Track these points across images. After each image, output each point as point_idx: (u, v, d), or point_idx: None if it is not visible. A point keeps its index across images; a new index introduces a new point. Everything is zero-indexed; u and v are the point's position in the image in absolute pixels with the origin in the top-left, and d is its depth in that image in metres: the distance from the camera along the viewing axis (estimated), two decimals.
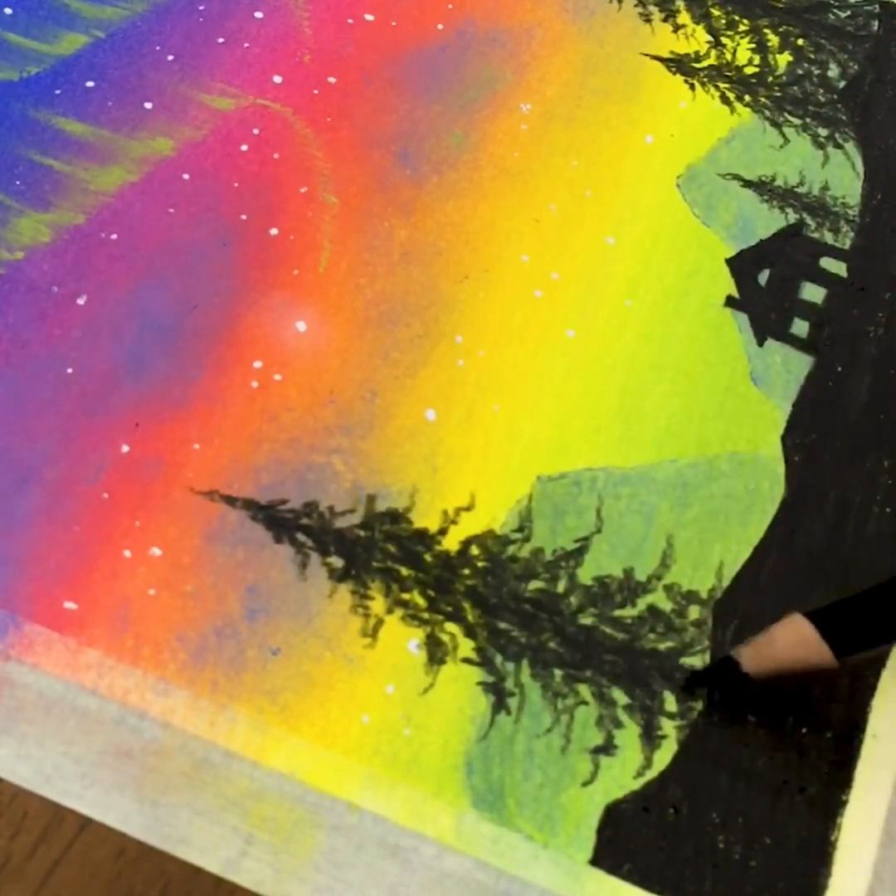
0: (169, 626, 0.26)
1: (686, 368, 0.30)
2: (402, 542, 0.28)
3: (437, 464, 0.29)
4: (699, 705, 0.27)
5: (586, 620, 0.27)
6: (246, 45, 0.33)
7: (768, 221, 0.33)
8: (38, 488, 0.27)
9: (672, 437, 0.30)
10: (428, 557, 0.28)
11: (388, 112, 0.33)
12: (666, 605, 0.28)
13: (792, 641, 0.25)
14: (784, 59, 0.35)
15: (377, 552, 0.27)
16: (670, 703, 0.27)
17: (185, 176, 0.31)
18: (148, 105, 0.32)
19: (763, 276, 0.32)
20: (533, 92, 0.34)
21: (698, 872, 0.25)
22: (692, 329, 0.31)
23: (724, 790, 0.26)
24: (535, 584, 0.28)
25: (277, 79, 0.33)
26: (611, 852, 0.25)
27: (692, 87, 0.34)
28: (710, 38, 0.35)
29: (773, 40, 0.36)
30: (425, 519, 0.28)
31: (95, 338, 0.29)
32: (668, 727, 0.26)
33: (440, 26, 0.34)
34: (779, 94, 0.35)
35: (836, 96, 0.35)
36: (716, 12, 0.36)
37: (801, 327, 0.31)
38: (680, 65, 0.35)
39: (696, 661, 0.27)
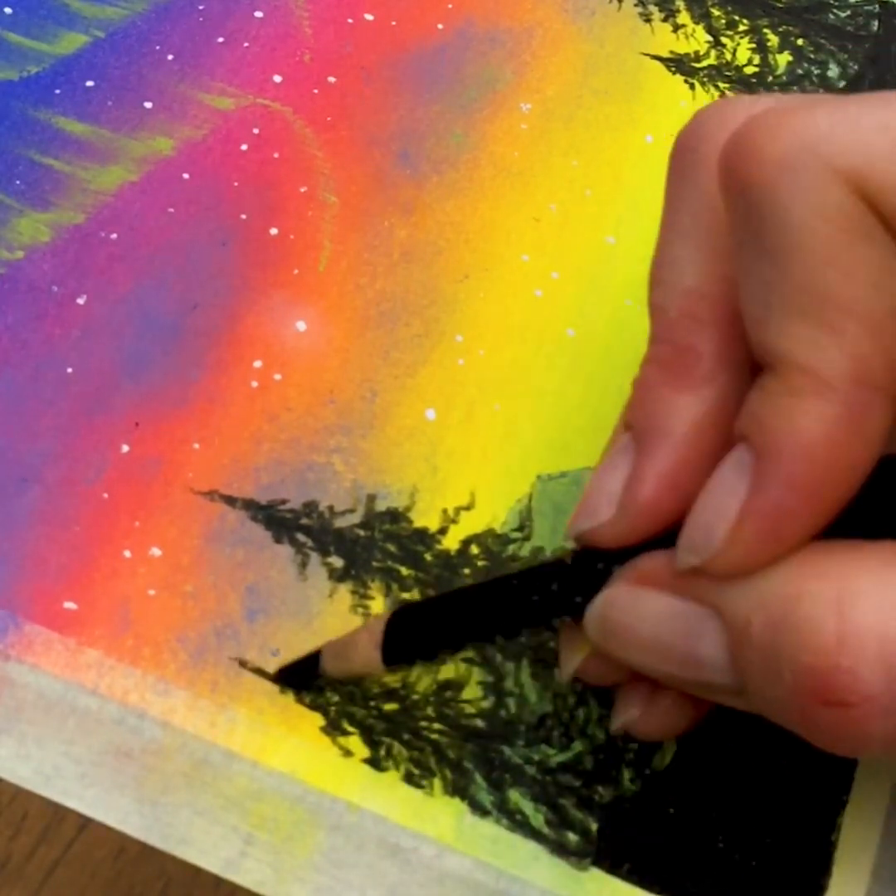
0: (169, 626, 0.26)
1: None
2: (402, 541, 0.28)
3: (437, 463, 0.29)
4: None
5: None
6: (246, 44, 0.33)
7: None
8: (38, 488, 0.27)
9: None
10: (428, 557, 0.28)
11: (388, 112, 0.33)
12: None
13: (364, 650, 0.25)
14: (784, 59, 0.35)
15: (377, 552, 0.27)
16: None
17: (185, 176, 0.31)
18: (148, 105, 0.32)
19: None
20: (533, 92, 0.34)
21: (698, 872, 0.25)
22: None
23: (724, 790, 0.26)
24: None
25: (277, 78, 0.33)
26: (611, 852, 0.25)
27: (692, 86, 0.34)
28: (709, 37, 0.35)
29: (773, 40, 0.36)
30: (425, 518, 0.28)
31: (95, 338, 0.29)
32: None
33: (440, 26, 0.34)
34: (779, 93, 0.35)
35: None
36: (716, 12, 0.36)
37: None
38: (680, 65, 0.35)
39: None
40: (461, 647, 0.26)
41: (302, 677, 0.26)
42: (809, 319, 0.20)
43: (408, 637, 0.25)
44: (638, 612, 0.22)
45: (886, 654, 0.19)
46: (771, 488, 0.20)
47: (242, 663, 0.26)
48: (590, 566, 0.23)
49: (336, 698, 0.26)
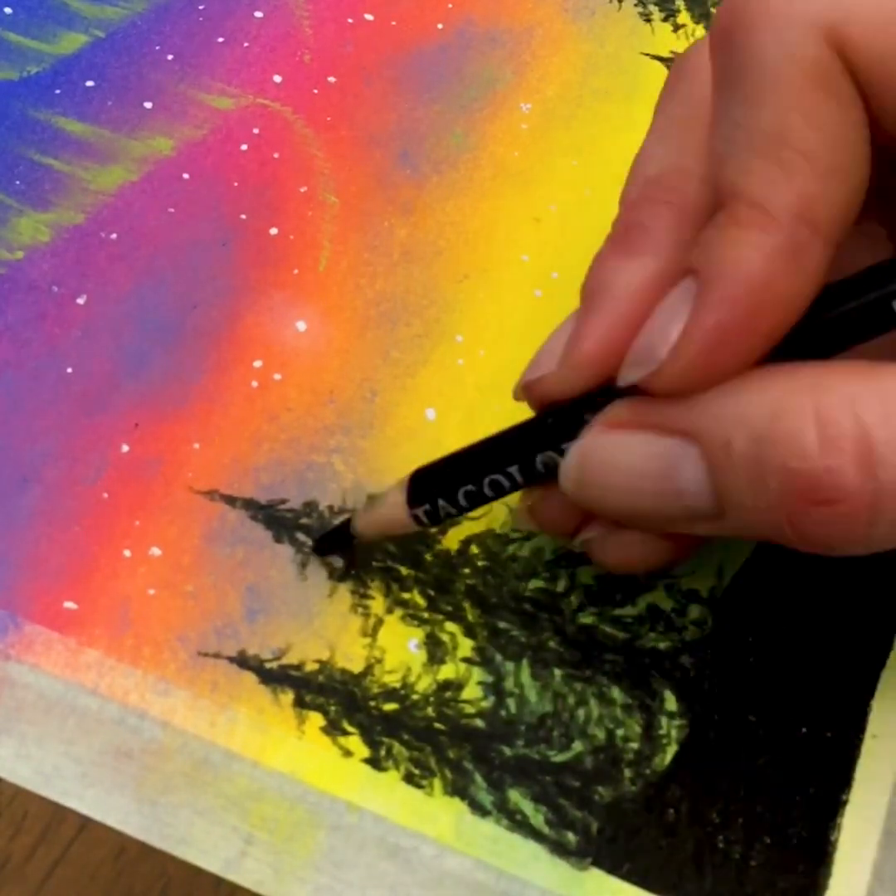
0: (169, 626, 0.26)
1: None
2: (402, 541, 0.28)
3: None
4: (699, 706, 0.27)
5: (586, 620, 0.27)
6: (246, 44, 0.33)
7: None
8: (38, 488, 0.27)
9: None
10: (428, 556, 0.28)
11: (388, 112, 0.33)
12: (666, 604, 0.28)
13: (391, 507, 0.26)
14: None
15: (377, 552, 0.27)
16: (670, 702, 0.27)
17: (185, 176, 0.31)
18: (148, 105, 0.32)
19: None
20: (533, 91, 0.34)
21: (698, 872, 0.25)
22: None
23: (724, 790, 0.26)
24: (535, 584, 0.28)
25: (277, 78, 0.33)
26: (611, 852, 0.25)
27: None
28: None
29: None
30: None
31: (95, 338, 0.29)
32: (668, 727, 0.26)
33: (440, 26, 0.34)
34: None
35: None
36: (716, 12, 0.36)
37: None
38: None
39: (697, 660, 0.27)
40: (480, 498, 0.25)
41: (336, 543, 0.27)
42: (766, 157, 0.21)
43: (430, 481, 0.26)
44: (614, 453, 0.23)
45: (863, 453, 0.20)
46: (711, 310, 0.21)
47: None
48: (570, 420, 0.24)
49: (336, 698, 0.26)
